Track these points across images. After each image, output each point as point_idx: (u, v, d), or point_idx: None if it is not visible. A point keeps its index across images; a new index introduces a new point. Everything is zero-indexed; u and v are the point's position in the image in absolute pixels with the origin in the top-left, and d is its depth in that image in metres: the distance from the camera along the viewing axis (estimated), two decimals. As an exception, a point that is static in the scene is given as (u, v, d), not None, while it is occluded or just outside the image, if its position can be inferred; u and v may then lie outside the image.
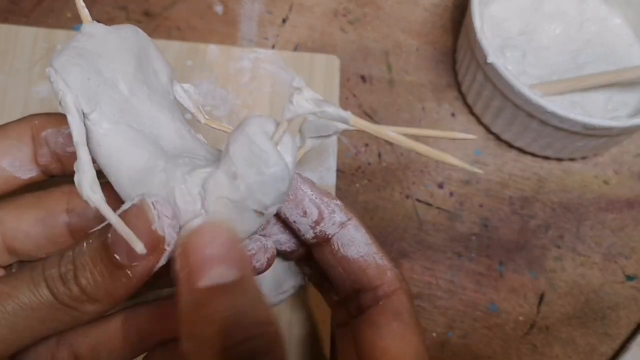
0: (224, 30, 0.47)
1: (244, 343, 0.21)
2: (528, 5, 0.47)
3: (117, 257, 0.22)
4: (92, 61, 0.24)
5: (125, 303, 0.26)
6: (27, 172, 0.27)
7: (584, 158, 0.45)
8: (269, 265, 0.28)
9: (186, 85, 0.28)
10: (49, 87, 0.42)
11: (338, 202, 0.28)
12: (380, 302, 0.27)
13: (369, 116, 0.45)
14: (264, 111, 0.43)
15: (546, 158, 0.45)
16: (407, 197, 0.43)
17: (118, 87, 0.24)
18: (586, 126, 0.39)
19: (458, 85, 0.47)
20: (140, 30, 0.26)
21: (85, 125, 0.23)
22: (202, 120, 0.28)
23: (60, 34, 0.44)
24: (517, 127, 0.43)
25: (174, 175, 0.23)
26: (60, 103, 0.23)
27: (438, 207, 0.43)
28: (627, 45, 0.47)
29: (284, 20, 0.48)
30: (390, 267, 0.28)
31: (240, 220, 0.24)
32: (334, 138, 0.43)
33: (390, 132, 0.23)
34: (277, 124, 0.23)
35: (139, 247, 0.22)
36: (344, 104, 0.45)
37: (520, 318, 0.41)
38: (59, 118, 0.27)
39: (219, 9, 0.48)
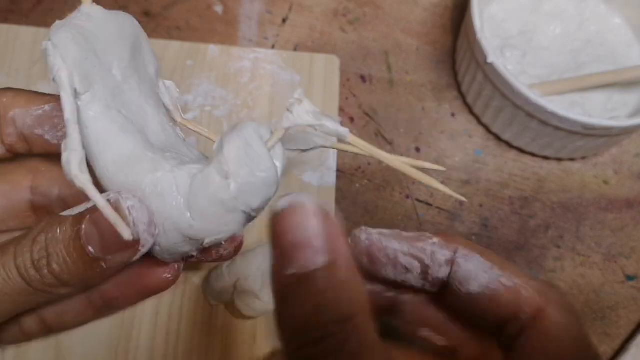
0: (224, 30, 0.47)
1: (319, 343, 0.20)
2: (528, 5, 0.47)
3: (90, 249, 0.22)
4: (91, 42, 0.24)
5: None
6: None
7: (583, 158, 0.45)
8: (236, 253, 0.28)
9: (168, 82, 0.28)
10: (48, 87, 0.42)
11: (435, 239, 0.25)
12: (526, 333, 0.23)
13: (369, 116, 0.45)
14: (263, 111, 0.43)
15: (546, 158, 0.45)
16: (407, 197, 0.43)
17: (112, 72, 0.24)
18: (586, 126, 0.39)
19: (458, 85, 0.47)
20: (135, 20, 0.26)
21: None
22: (178, 119, 0.28)
23: (60, 34, 0.44)
24: (516, 127, 0.43)
25: (162, 166, 0.23)
26: (53, 79, 0.23)
27: (438, 207, 0.43)
28: (626, 45, 0.47)
29: (283, 20, 0.48)
30: (523, 284, 0.23)
31: (226, 220, 0.24)
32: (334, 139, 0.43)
33: (383, 154, 0.23)
34: (272, 131, 0.23)
35: (127, 234, 0.21)
36: (344, 104, 0.46)
37: (520, 318, 0.41)
38: (29, 97, 0.27)
39: (218, 9, 0.48)
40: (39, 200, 0.28)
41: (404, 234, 0.25)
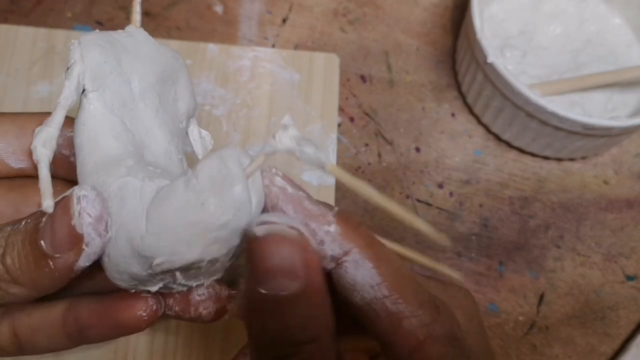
0: (224, 30, 0.47)
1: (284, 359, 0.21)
2: (528, 5, 0.47)
3: (42, 243, 0.22)
4: (118, 51, 0.24)
5: (70, 291, 0.26)
6: (18, 162, 0.28)
7: (583, 158, 0.45)
8: (218, 316, 0.26)
9: (204, 132, 0.28)
10: (48, 87, 0.42)
11: (331, 227, 0.22)
12: None
13: (369, 116, 0.45)
14: (263, 110, 0.43)
15: (546, 158, 0.45)
16: (407, 197, 0.43)
17: (130, 85, 0.25)
18: (586, 126, 0.39)
19: (458, 85, 0.47)
20: (180, 58, 0.27)
21: (80, 101, 0.24)
22: None
23: (60, 34, 0.44)
24: (516, 127, 0.43)
25: (135, 173, 0.22)
26: (67, 69, 0.23)
27: (438, 207, 0.43)
28: (626, 45, 0.47)
29: (283, 20, 0.48)
30: (408, 313, 0.21)
31: (182, 239, 0.21)
32: (334, 138, 0.43)
33: (362, 185, 0.22)
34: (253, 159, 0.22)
35: (46, 203, 0.21)
36: (344, 103, 0.45)
37: (520, 318, 0.41)
38: (66, 121, 0.28)
39: (218, 9, 0.48)
40: None
41: (307, 203, 0.22)
